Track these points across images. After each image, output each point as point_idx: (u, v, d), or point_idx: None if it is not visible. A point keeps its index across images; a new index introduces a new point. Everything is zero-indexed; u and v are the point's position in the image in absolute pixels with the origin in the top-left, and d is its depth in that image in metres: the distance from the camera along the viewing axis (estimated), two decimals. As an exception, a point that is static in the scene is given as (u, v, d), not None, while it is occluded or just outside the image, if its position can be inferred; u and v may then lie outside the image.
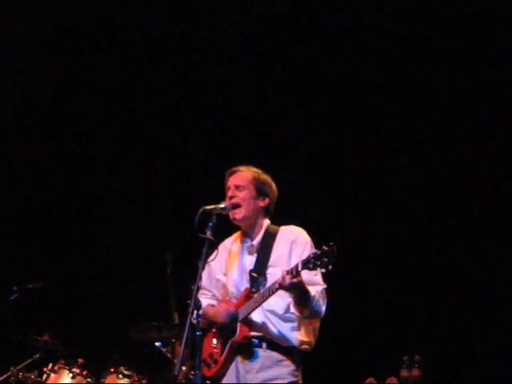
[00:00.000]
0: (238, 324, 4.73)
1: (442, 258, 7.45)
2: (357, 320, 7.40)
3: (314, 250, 4.42)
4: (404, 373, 6.69)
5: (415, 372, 6.67)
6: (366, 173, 7.90)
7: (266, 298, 4.63)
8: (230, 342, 4.75)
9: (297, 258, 4.62)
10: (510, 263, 7.21)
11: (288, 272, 4.46)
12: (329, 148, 8.05)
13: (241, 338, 4.72)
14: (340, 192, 7.88)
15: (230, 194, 4.91)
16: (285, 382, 4.71)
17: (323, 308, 4.71)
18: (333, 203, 7.78)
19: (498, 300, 7.17)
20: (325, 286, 4.74)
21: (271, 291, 4.59)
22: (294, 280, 4.43)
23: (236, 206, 4.87)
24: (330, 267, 4.29)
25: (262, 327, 4.74)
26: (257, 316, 4.74)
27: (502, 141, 7.41)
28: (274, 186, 5.03)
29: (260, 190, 4.94)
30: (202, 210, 4.61)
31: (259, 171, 5.02)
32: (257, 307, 4.68)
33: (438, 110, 7.66)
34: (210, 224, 4.58)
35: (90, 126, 8.96)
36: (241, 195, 4.90)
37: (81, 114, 8.93)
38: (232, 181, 4.96)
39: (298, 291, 4.53)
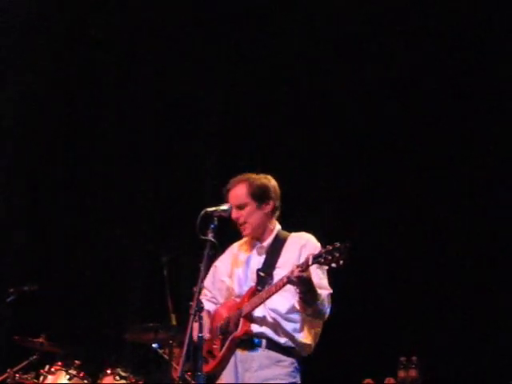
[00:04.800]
0: (241, 319, 4.72)
1: (439, 259, 7.47)
2: (354, 321, 7.41)
3: (327, 246, 4.39)
4: (401, 373, 6.73)
5: (412, 373, 6.71)
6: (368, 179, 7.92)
7: (272, 294, 4.61)
8: (230, 336, 4.74)
9: None
10: (507, 263, 7.25)
11: (298, 265, 4.46)
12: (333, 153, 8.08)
13: (242, 332, 4.70)
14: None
15: (233, 216, 4.85)
16: (283, 382, 4.68)
17: (327, 310, 4.70)
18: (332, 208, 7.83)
19: (494, 301, 7.20)
20: (331, 290, 4.73)
21: (278, 286, 4.57)
22: (303, 274, 4.43)
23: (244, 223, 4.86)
24: (342, 262, 4.28)
25: (263, 324, 4.71)
26: (259, 313, 4.72)
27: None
28: (272, 184, 4.92)
29: (260, 197, 4.85)
30: (203, 211, 4.60)
31: (252, 177, 4.90)
32: (261, 303, 4.66)
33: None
34: (212, 226, 4.55)
35: (93, 126, 8.97)
36: (244, 213, 4.83)
37: (82, 112, 8.93)
38: (231, 201, 4.86)
39: (305, 286, 4.52)
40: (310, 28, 8.22)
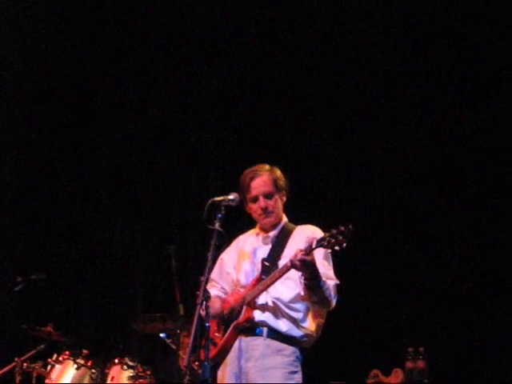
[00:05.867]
0: (244, 307, 4.73)
1: (446, 249, 7.47)
2: (362, 312, 7.41)
3: (330, 229, 4.37)
4: (409, 364, 6.72)
5: (420, 363, 6.70)
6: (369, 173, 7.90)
7: (276, 279, 4.61)
8: (233, 323, 4.76)
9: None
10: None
11: (302, 249, 4.45)
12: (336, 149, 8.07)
13: (244, 319, 4.71)
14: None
15: (262, 204, 4.83)
16: (283, 371, 4.68)
17: (333, 300, 4.68)
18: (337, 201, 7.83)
19: (502, 291, 7.19)
20: (337, 281, 4.72)
21: (281, 271, 4.58)
22: (307, 257, 4.42)
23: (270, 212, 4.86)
24: (345, 245, 4.28)
25: (266, 312, 4.72)
26: (262, 301, 4.73)
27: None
28: (281, 174, 4.96)
29: (280, 188, 4.89)
30: (210, 201, 4.58)
31: (272, 168, 4.93)
32: (265, 289, 4.67)
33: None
34: (219, 215, 4.54)
35: (94, 124, 8.99)
36: (272, 203, 4.85)
37: (83, 110, 8.94)
38: (258, 189, 4.85)
39: (309, 272, 4.50)
40: (309, 26, 8.21)
